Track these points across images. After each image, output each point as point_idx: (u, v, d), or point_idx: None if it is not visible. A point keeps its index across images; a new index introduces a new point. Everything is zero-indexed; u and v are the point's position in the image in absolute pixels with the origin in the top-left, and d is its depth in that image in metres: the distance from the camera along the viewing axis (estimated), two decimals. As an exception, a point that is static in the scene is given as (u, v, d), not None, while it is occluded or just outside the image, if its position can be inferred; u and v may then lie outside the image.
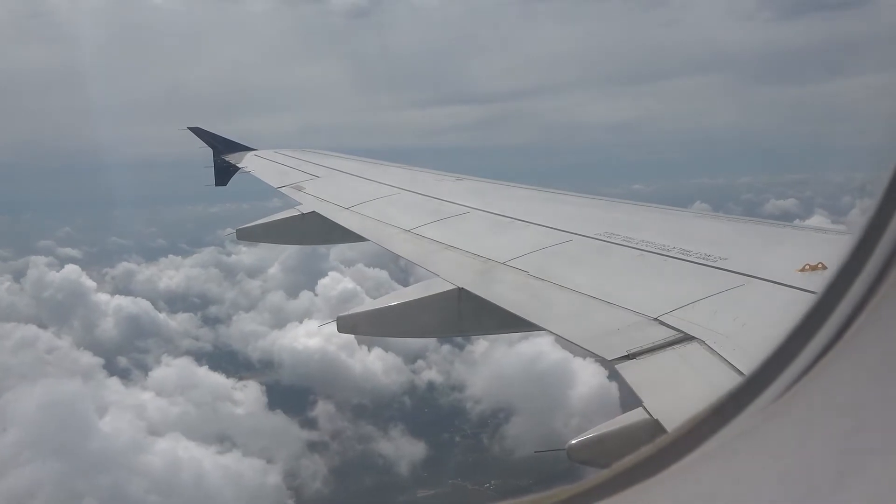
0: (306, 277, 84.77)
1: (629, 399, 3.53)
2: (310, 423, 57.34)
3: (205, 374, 64.23)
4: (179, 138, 14.92)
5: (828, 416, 1.22)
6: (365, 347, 63.87)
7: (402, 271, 52.87)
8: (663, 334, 3.87)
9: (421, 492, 48.41)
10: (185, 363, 66.90)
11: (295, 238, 9.99)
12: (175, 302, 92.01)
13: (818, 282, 3.74)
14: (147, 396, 59.57)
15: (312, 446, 54.16)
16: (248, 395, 61.27)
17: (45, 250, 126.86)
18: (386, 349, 63.61)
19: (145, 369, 68.91)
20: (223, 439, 53.15)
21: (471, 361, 60.66)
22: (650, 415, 3.27)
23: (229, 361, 70.58)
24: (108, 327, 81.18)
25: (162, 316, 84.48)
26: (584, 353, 4.29)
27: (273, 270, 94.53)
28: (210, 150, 14.27)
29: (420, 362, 64.14)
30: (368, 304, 7.12)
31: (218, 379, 63.30)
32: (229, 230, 11.13)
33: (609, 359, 3.85)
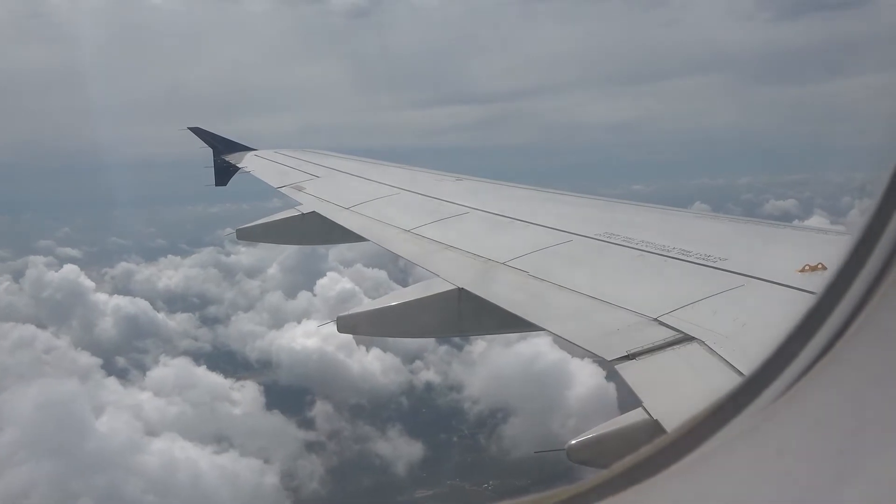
0: (305, 278, 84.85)
1: (627, 400, 3.53)
2: (307, 424, 57.37)
3: (203, 374, 64.27)
4: (179, 138, 14.94)
5: (827, 417, 1.22)
6: (363, 348, 63.97)
7: (401, 271, 52.90)
8: (663, 335, 3.87)
9: (419, 492, 48.39)
10: (183, 363, 66.94)
11: (295, 238, 9.99)
12: (174, 302, 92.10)
13: (818, 282, 3.74)
14: (145, 396, 59.64)
15: (310, 446, 54.18)
16: (245, 396, 61.31)
17: (44, 250, 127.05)
18: (384, 349, 63.69)
19: (143, 369, 69.04)
20: (220, 439, 53.16)
21: (469, 362, 60.75)
22: (650, 415, 3.27)
23: (227, 361, 70.56)
24: (106, 327, 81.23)
25: (161, 316, 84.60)
26: (583, 353, 4.29)
27: (272, 271, 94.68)
28: (210, 150, 14.27)
29: (418, 363, 64.21)
30: (368, 305, 7.12)
31: (216, 379, 63.35)
32: (229, 230, 11.14)
33: (609, 359, 3.85)
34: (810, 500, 1.13)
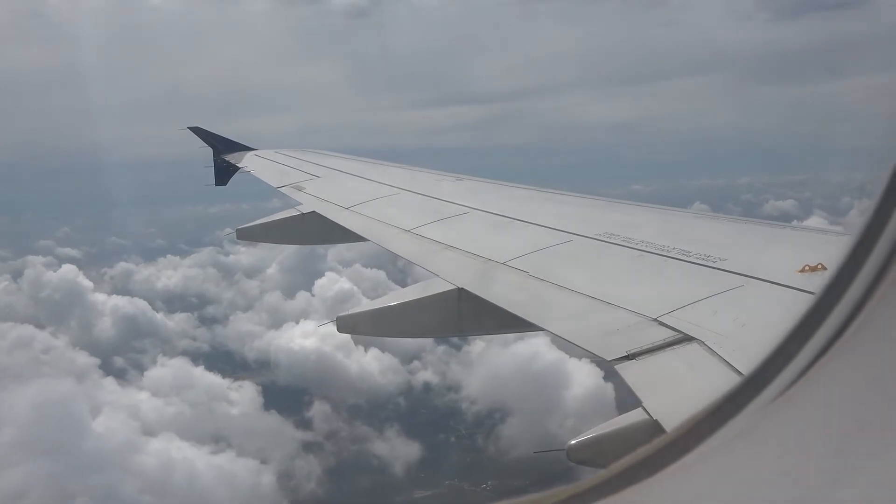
0: (304, 278, 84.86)
1: (625, 400, 3.53)
2: (305, 424, 57.36)
3: (201, 374, 64.30)
4: (179, 138, 14.94)
5: (826, 417, 1.23)
6: (361, 348, 63.99)
7: (400, 272, 52.90)
8: (663, 335, 3.87)
9: (418, 492, 48.39)
10: (181, 363, 66.99)
11: (295, 238, 9.99)
12: (173, 302, 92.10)
13: (817, 282, 3.74)
14: (143, 396, 59.67)
15: (307, 447, 54.18)
16: (243, 396, 61.31)
17: (44, 250, 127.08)
18: (383, 350, 63.68)
19: (141, 369, 69.09)
20: (218, 440, 53.17)
21: (467, 362, 60.77)
22: (649, 415, 3.27)
23: (226, 362, 70.56)
24: (105, 327, 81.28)
25: (159, 316, 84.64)
26: (581, 353, 4.29)
27: (271, 271, 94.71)
28: (210, 150, 14.27)
29: (416, 363, 64.17)
30: (368, 305, 7.12)
31: (214, 379, 63.35)
32: (228, 230, 11.14)
33: (609, 359, 3.85)
34: (810, 499, 1.13)
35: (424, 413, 58.85)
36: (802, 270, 4.07)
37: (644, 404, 3.35)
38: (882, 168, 1.32)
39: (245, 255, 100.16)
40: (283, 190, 10.73)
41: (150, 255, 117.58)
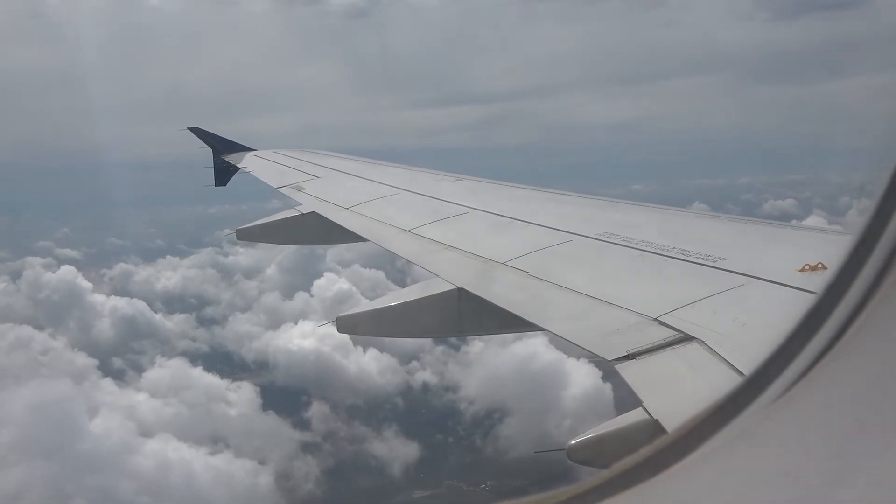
0: (303, 278, 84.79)
1: (624, 400, 3.52)
2: (303, 424, 57.28)
3: (199, 375, 64.17)
4: (179, 138, 14.94)
5: (828, 417, 1.23)
6: (360, 348, 63.95)
7: (399, 272, 52.86)
8: (663, 334, 3.87)
9: (417, 493, 48.39)
10: (180, 364, 66.89)
11: (294, 238, 9.99)
12: (172, 303, 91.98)
13: (818, 282, 3.74)
14: (141, 397, 59.54)
15: (306, 447, 54.12)
16: (241, 397, 61.25)
17: (43, 251, 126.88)
18: (381, 350, 63.62)
19: (140, 370, 69.00)
20: (216, 440, 53.11)
21: (465, 362, 60.75)
22: (650, 415, 3.27)
23: (224, 362, 70.52)
24: (103, 328, 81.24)
25: (158, 317, 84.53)
26: (580, 353, 4.30)
27: (270, 271, 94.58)
28: (210, 151, 14.27)
29: (414, 363, 64.06)
30: (369, 305, 7.12)
31: (212, 380, 63.23)
32: (228, 231, 11.13)
33: (609, 359, 3.85)
34: (810, 500, 1.13)
35: (423, 413, 58.82)
36: (802, 270, 4.07)
37: (644, 404, 3.35)
38: (882, 168, 1.32)
39: (244, 255, 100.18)
40: (282, 190, 10.73)
41: (149, 256, 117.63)
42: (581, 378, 52.40)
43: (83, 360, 69.18)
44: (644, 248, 5.29)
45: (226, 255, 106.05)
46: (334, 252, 79.56)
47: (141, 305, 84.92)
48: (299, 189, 10.34)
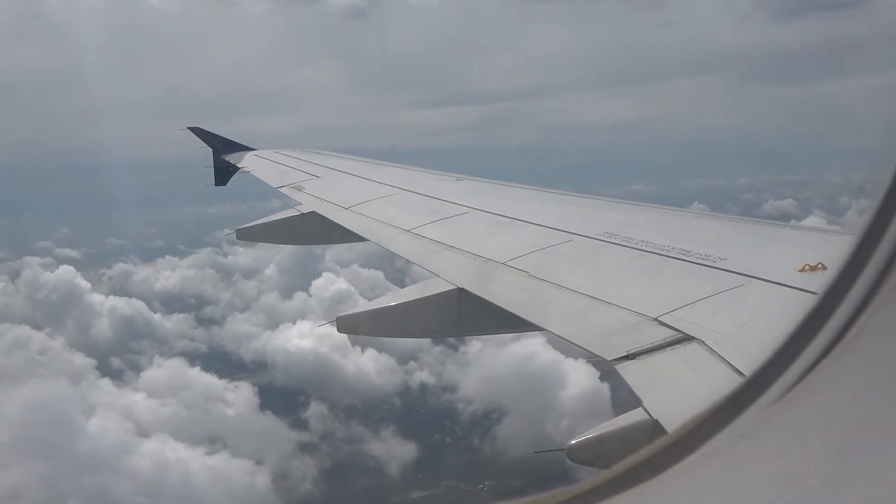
0: (302, 278, 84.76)
1: (622, 400, 3.52)
2: (301, 425, 57.22)
3: (197, 375, 64.16)
4: (179, 138, 14.93)
5: (828, 418, 1.22)
6: (358, 348, 63.88)
7: (398, 272, 52.86)
8: (663, 334, 3.87)
9: (415, 493, 48.37)
10: (178, 364, 66.90)
11: (294, 238, 9.99)
12: (171, 303, 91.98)
13: (818, 282, 3.74)
14: (138, 397, 59.52)
15: (303, 447, 54.05)
16: (239, 397, 61.20)
17: (42, 251, 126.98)
18: (379, 350, 63.58)
19: (138, 370, 68.96)
20: (213, 441, 53.02)
21: (463, 363, 60.70)
22: (650, 415, 3.27)
23: (223, 362, 70.49)
24: (102, 328, 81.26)
25: (157, 317, 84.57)
26: (577, 353, 4.30)
27: (269, 271, 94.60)
28: (210, 150, 14.26)
29: (412, 363, 63.97)
30: (369, 305, 7.12)
31: (210, 380, 63.18)
32: (228, 231, 11.13)
33: (609, 359, 3.85)
34: (811, 501, 1.13)
35: (421, 413, 58.77)
36: (802, 270, 4.07)
37: (644, 404, 3.35)
38: (882, 168, 1.31)
39: (243, 255, 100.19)
40: (282, 190, 10.72)
41: (148, 256, 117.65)
42: (579, 378, 52.48)
43: (81, 360, 69.28)
44: (644, 248, 5.29)
45: (225, 255, 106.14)
46: (333, 252, 79.58)
47: (140, 305, 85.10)
48: (299, 189, 10.34)
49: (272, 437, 54.58)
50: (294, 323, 72.19)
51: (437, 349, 62.83)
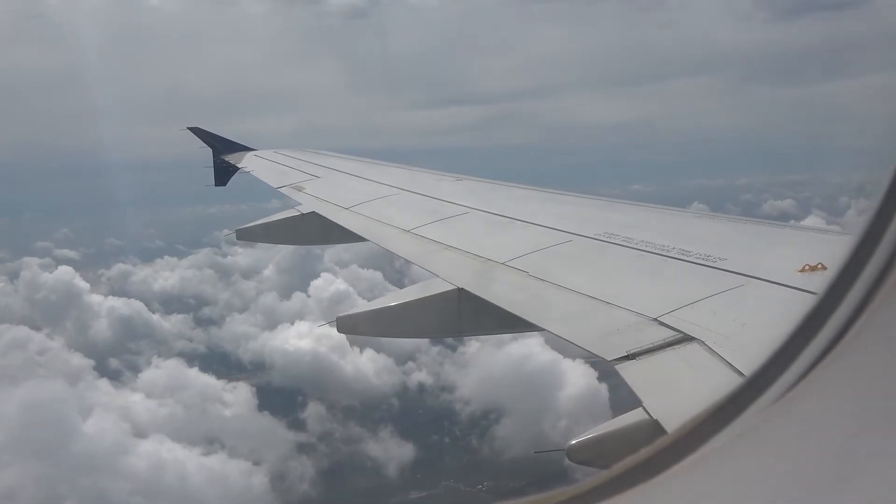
0: (301, 279, 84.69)
1: (620, 401, 3.52)
2: (299, 425, 57.13)
3: (195, 375, 64.05)
4: (179, 138, 14.94)
5: (828, 418, 1.22)
6: (357, 349, 63.76)
7: (398, 272, 52.83)
8: (663, 335, 3.87)
9: (413, 493, 48.34)
10: (176, 365, 66.79)
11: (294, 238, 9.99)
12: (170, 303, 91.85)
13: (818, 282, 3.74)
14: (136, 398, 59.46)
15: (301, 448, 53.97)
16: (238, 397, 61.11)
17: (42, 252, 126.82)
18: (378, 350, 63.49)
19: (136, 371, 68.90)
20: (211, 441, 52.94)
21: (461, 363, 60.65)
22: (650, 415, 3.27)
23: (221, 363, 70.40)
24: (100, 329, 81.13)
25: (156, 317, 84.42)
26: (575, 354, 4.31)
27: (268, 272, 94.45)
28: (210, 151, 14.27)
29: (411, 364, 63.82)
30: (369, 305, 7.12)
31: (208, 380, 63.09)
32: (227, 231, 11.13)
33: (609, 359, 3.85)
34: (811, 501, 1.13)
35: (419, 414, 58.70)
36: (802, 270, 4.07)
37: (644, 404, 3.35)
38: (882, 168, 1.31)
39: (242, 256, 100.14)
40: (282, 190, 10.73)
41: (147, 257, 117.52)
42: (577, 378, 52.48)
43: (79, 360, 69.23)
44: (644, 248, 5.29)
45: (224, 255, 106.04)
46: (332, 252, 79.65)
47: (138, 306, 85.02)
48: (299, 189, 10.34)
49: (270, 438, 54.55)
50: (292, 323, 72.23)
51: (436, 349, 62.89)
